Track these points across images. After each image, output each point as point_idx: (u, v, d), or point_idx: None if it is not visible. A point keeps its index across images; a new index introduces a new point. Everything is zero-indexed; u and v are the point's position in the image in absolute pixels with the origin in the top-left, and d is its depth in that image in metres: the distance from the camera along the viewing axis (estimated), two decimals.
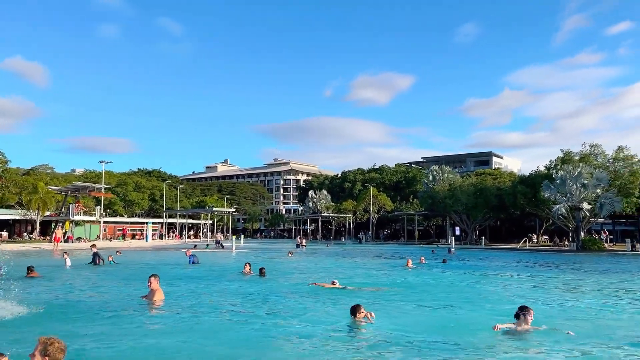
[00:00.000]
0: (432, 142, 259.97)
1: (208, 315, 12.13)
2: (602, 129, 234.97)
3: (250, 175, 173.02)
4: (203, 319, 11.64)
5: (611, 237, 66.45)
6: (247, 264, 22.45)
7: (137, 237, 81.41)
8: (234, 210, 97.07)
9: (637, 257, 42.06)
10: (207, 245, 56.05)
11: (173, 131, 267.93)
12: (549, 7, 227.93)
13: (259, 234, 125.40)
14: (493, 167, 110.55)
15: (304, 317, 11.86)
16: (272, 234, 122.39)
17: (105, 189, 72.71)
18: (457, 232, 74.94)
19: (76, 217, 64.56)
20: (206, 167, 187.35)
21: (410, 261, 28.24)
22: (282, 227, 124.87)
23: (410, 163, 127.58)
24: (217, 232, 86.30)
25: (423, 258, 32.10)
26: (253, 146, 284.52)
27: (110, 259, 27.83)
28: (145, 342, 9.38)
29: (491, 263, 33.60)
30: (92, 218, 69.05)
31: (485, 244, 64.76)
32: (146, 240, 71.69)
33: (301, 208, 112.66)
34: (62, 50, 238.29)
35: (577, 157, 59.43)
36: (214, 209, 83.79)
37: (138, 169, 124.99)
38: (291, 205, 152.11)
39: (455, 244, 60.32)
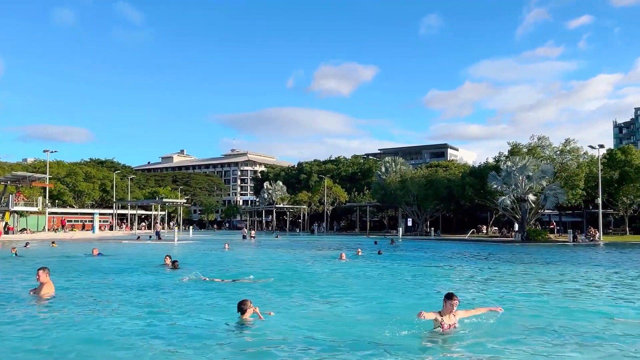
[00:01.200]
0: (394, 133, 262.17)
1: (92, 310, 11.50)
2: (561, 121, 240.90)
3: (207, 166, 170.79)
4: (84, 313, 11.03)
5: (558, 228, 67.66)
6: (168, 256, 22.02)
7: (86, 227, 79.44)
8: (184, 201, 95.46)
9: (578, 248, 42.63)
10: (150, 237, 54.71)
11: (130, 121, 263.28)
12: (512, 0, 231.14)
13: (215, 225, 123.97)
14: (448, 159, 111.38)
15: (188, 313, 11.26)
16: (228, 225, 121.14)
17: (49, 179, 70.42)
18: (410, 223, 75.27)
19: (16, 208, 62.22)
20: (162, 158, 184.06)
21: (344, 254, 27.19)
22: (239, 219, 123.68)
23: (368, 154, 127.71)
24: (157, 223, 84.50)
25: (359, 250, 31.60)
26: (211, 137, 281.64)
27: (13, 251, 26.75)
28: (15, 336, 8.85)
29: (429, 254, 33.49)
30: (35, 209, 66.66)
31: (435, 235, 65.04)
32: (93, 232, 69.83)
33: (257, 199, 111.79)
34: (15, 36, 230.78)
35: (525, 150, 59.90)
36: (165, 200, 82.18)
37: (90, 158, 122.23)
38: (248, 196, 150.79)
39: (405, 235, 60.53)
